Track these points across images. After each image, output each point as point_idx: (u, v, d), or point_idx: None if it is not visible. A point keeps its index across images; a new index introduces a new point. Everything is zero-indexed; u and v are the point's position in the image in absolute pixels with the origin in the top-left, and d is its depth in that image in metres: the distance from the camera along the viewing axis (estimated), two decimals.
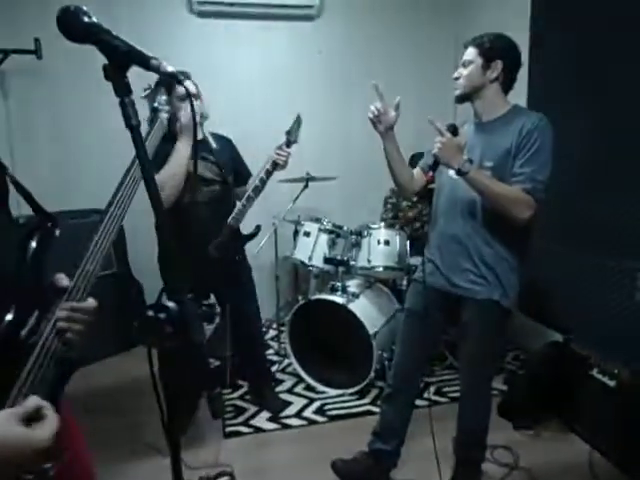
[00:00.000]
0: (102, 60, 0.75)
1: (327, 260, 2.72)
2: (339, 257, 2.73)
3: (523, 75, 2.93)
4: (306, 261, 2.80)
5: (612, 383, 2.09)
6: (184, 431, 2.26)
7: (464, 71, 1.66)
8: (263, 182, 2.15)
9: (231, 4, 3.29)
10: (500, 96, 1.68)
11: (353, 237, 2.79)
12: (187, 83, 2.00)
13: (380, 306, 2.81)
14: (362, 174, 3.60)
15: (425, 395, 2.64)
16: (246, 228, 2.28)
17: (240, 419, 2.46)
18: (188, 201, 2.08)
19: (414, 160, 2.85)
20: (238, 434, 2.35)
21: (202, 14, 3.33)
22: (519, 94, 3.01)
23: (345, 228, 2.86)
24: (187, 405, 2.35)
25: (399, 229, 2.80)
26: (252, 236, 2.31)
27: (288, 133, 2.17)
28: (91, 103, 3.12)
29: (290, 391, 2.72)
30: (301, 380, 2.77)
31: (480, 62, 1.64)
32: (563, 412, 2.35)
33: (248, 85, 3.51)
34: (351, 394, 2.65)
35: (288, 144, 2.17)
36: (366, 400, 2.61)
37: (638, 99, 2.25)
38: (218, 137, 2.28)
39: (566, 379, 2.31)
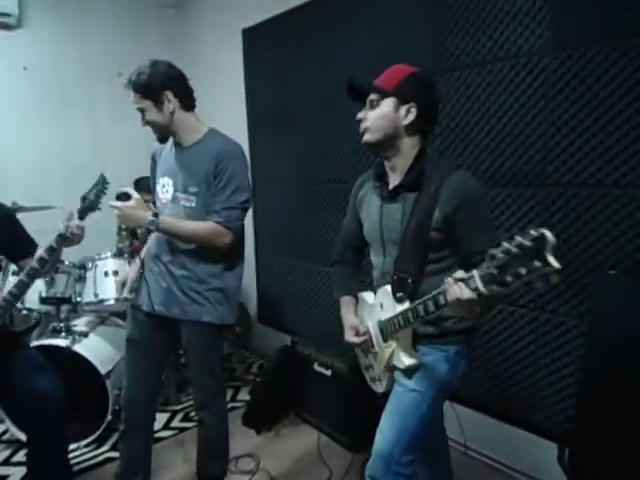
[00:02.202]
0: None
1: (44, 300, 2.39)
2: (60, 295, 2.43)
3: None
4: (19, 305, 2.40)
5: (328, 372, 2.43)
6: None
7: (145, 117, 1.66)
8: (43, 262, 1.66)
9: None
10: (193, 122, 1.73)
11: (76, 271, 2.53)
12: None
13: (115, 342, 2.60)
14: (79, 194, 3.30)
15: (172, 424, 2.59)
16: None
17: None
18: None
19: (139, 184, 2.78)
20: None
21: None
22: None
23: (67, 262, 2.57)
24: None
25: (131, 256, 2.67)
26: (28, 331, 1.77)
27: (83, 199, 1.69)
28: None
29: (7, 462, 2.28)
30: (22, 445, 2.34)
31: (150, 104, 1.64)
32: (295, 407, 2.63)
33: None
34: (87, 445, 2.38)
35: (82, 214, 1.68)
36: (105, 447, 2.38)
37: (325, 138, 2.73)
38: None
39: (295, 377, 2.58)
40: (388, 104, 1.30)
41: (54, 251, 1.68)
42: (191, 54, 3.65)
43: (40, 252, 1.68)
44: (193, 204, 1.69)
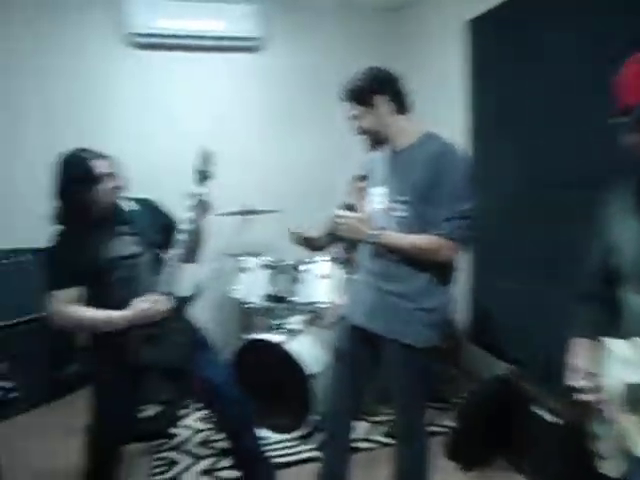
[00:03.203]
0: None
1: (265, 297, 2.60)
2: (278, 293, 2.61)
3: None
4: (245, 298, 2.68)
5: (550, 417, 2.00)
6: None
7: (360, 123, 1.61)
8: (185, 233, 1.80)
9: (170, 35, 3.23)
10: (403, 125, 1.61)
11: (294, 272, 2.68)
12: (99, 163, 1.73)
13: (326, 344, 2.68)
14: (305, 206, 3.51)
15: (371, 437, 2.52)
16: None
17: (170, 474, 2.27)
18: (107, 286, 1.77)
19: None
20: None
21: (138, 45, 3.26)
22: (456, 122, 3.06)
23: (286, 262, 2.76)
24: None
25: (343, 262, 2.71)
26: (191, 298, 1.88)
27: (197, 171, 1.81)
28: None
29: None
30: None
31: (364, 110, 1.59)
32: (507, 450, 2.25)
33: (189, 119, 3.43)
34: (294, 439, 2.50)
35: (200, 182, 1.80)
36: (311, 445, 2.44)
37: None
38: (135, 202, 1.95)
39: (510, 414, 2.21)
40: None
41: (191, 222, 1.78)
42: (413, 54, 3.55)
43: (181, 225, 1.79)
44: (404, 213, 1.56)
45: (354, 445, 2.40)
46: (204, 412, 2.74)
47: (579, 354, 1.24)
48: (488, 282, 3.00)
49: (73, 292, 1.76)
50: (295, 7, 3.52)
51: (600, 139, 2.08)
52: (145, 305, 1.71)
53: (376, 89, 1.57)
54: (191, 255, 1.93)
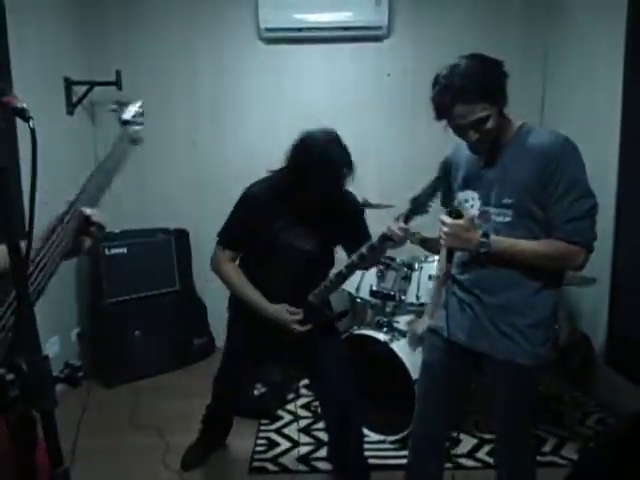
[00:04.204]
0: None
1: (373, 293, 2.54)
2: (386, 291, 2.53)
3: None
4: (353, 292, 2.66)
5: None
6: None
7: (483, 127, 1.34)
8: (362, 258, 1.68)
9: (298, 29, 3.30)
10: (506, 119, 1.41)
11: (404, 270, 2.58)
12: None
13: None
14: None
15: (478, 455, 2.33)
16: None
17: (269, 454, 2.36)
18: (269, 267, 1.82)
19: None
20: (263, 471, 2.24)
21: (269, 40, 3.38)
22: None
23: (398, 260, 2.66)
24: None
25: None
26: (338, 318, 1.94)
27: (414, 201, 1.50)
28: (167, 125, 3.33)
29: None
30: None
31: (495, 110, 1.34)
32: None
33: (315, 110, 3.46)
34: (392, 442, 2.42)
35: (408, 217, 1.54)
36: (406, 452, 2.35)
37: None
38: (345, 197, 1.84)
39: None
40: None
41: (374, 249, 1.66)
42: (558, 43, 3.16)
43: (362, 249, 1.69)
44: (507, 218, 1.38)
45: (458, 461, 2.27)
46: (310, 399, 2.81)
47: None
48: (633, 298, 2.56)
49: (238, 253, 1.88)
50: None
51: None
52: (288, 317, 1.77)
53: (504, 82, 1.35)
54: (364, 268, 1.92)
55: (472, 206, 1.46)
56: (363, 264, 1.75)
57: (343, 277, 1.76)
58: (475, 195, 1.46)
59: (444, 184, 1.55)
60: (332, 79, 3.47)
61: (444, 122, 1.39)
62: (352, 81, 3.49)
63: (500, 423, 1.56)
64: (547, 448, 2.34)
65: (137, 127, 1.21)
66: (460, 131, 1.38)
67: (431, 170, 3.35)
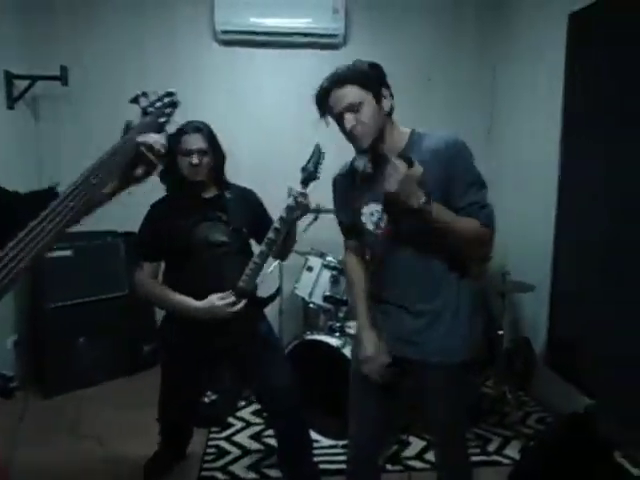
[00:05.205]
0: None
1: (326, 298, 2.56)
2: (338, 296, 2.55)
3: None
4: (306, 297, 2.66)
5: (638, 472, 1.75)
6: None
7: (359, 116, 1.33)
8: (278, 232, 1.74)
9: (254, 32, 3.28)
10: (394, 125, 1.44)
11: None
12: (189, 138, 1.82)
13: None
14: None
15: (427, 456, 2.38)
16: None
17: (219, 462, 2.31)
18: (189, 268, 1.82)
19: None
20: None
21: (226, 42, 3.35)
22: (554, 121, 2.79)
23: None
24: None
25: None
26: (270, 299, 1.91)
27: (303, 169, 1.75)
28: (116, 124, 3.19)
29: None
30: None
31: (370, 100, 1.34)
32: None
33: (273, 115, 3.47)
34: (344, 446, 2.42)
35: (305, 182, 1.74)
36: None
37: None
38: (236, 189, 1.96)
39: (587, 461, 1.96)
40: None
41: (284, 221, 1.73)
42: (504, 57, 3.32)
43: (275, 223, 1.74)
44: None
45: (410, 463, 2.30)
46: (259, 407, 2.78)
47: None
48: (570, 303, 2.70)
49: (157, 266, 1.86)
50: (379, 3, 3.45)
51: None
52: (219, 302, 1.74)
53: (383, 79, 1.39)
54: (280, 254, 1.94)
55: (379, 219, 1.45)
56: (280, 238, 1.76)
57: (265, 255, 1.77)
58: (379, 207, 1.44)
59: (322, 150, 1.75)
60: (288, 84, 3.47)
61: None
62: (308, 87, 3.49)
63: (437, 426, 1.56)
64: (492, 448, 2.43)
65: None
66: (338, 120, 1.38)
67: None
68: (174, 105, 1.33)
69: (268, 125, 3.45)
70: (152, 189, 1.58)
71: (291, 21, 3.28)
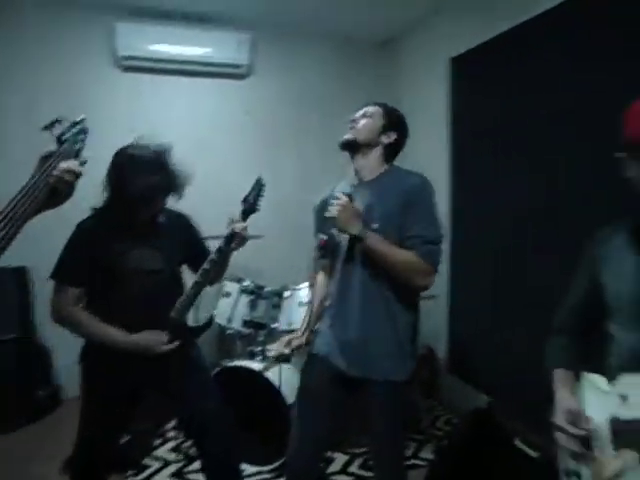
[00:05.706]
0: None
1: (245, 323, 2.57)
2: (257, 320, 2.58)
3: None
4: (225, 323, 2.64)
5: (534, 453, 2.00)
6: None
7: (364, 120, 1.64)
8: (214, 263, 1.72)
9: (157, 60, 3.25)
10: (381, 160, 1.66)
11: (275, 298, 2.66)
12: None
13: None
14: (292, 234, 3.50)
15: (350, 469, 2.46)
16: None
17: None
18: (119, 296, 1.69)
19: None
20: None
21: (127, 68, 3.27)
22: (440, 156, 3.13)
23: (268, 289, 2.73)
24: None
25: None
26: (203, 328, 1.83)
27: (244, 201, 1.78)
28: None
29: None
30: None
31: (381, 123, 1.64)
32: None
33: (177, 142, 3.41)
34: (270, 471, 2.42)
35: (245, 214, 1.76)
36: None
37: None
38: (170, 214, 1.84)
39: (491, 450, 2.19)
40: None
41: (222, 253, 1.71)
42: (395, 90, 3.65)
43: (211, 255, 1.72)
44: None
45: (332, 479, 2.36)
46: (177, 442, 2.66)
47: (564, 386, 1.23)
48: (466, 312, 3.02)
49: (81, 292, 1.67)
50: (283, 35, 3.59)
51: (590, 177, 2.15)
52: (152, 341, 1.66)
53: (399, 127, 1.67)
54: (211, 281, 1.86)
55: (343, 239, 1.61)
56: (215, 269, 1.75)
57: (200, 286, 1.72)
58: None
59: (263, 183, 1.83)
60: (191, 112, 3.47)
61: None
62: (211, 115, 3.53)
63: (376, 438, 1.66)
64: (409, 453, 2.58)
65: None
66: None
67: (294, 202, 3.54)
68: (85, 132, 1.32)
69: (174, 152, 3.39)
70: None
71: (193, 49, 3.30)
